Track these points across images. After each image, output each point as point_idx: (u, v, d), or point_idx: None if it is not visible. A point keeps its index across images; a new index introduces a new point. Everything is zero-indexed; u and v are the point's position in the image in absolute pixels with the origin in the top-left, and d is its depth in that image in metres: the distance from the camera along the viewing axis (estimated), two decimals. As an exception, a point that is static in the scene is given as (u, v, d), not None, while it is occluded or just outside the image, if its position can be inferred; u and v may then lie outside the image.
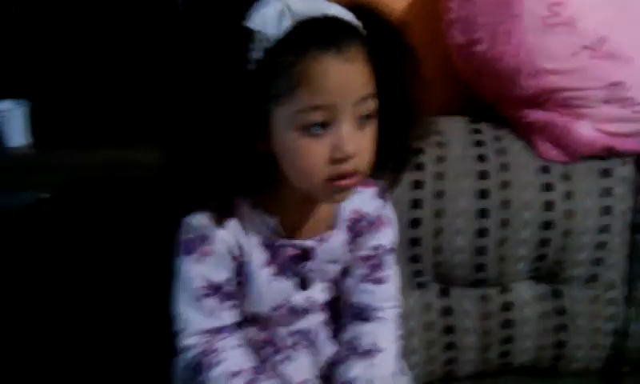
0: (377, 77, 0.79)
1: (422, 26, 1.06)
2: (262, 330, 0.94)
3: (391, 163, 0.89)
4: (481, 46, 1.04)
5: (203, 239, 0.85)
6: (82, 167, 1.15)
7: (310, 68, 0.74)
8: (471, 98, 1.15)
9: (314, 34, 0.74)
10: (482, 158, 1.09)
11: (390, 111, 0.83)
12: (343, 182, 0.78)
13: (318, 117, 0.75)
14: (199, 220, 0.84)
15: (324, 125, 0.76)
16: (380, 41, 0.80)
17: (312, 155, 0.77)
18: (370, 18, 0.80)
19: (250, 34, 0.76)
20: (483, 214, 1.08)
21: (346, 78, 0.75)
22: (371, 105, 0.78)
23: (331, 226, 0.91)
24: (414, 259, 1.09)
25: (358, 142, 0.77)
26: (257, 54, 0.76)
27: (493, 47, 1.03)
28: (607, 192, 1.12)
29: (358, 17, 0.79)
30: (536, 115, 1.09)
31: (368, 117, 0.78)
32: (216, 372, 0.86)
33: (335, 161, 0.77)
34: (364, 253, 0.93)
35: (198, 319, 0.87)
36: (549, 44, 1.03)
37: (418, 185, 1.06)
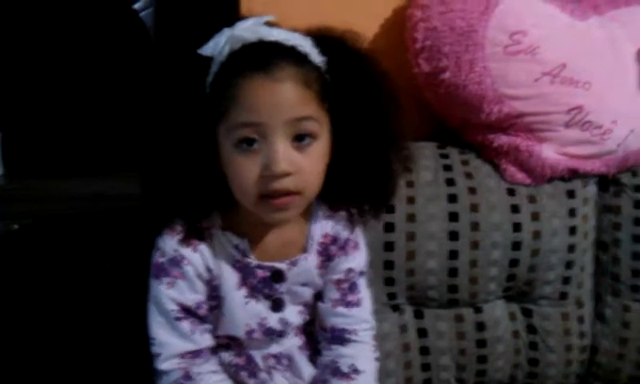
0: (345, 104, 0.83)
1: (390, 55, 1.10)
2: (238, 355, 0.95)
3: (370, 190, 0.92)
4: (446, 74, 1.07)
5: (174, 263, 0.87)
6: (54, 197, 1.15)
7: (240, 88, 0.78)
8: (439, 124, 1.19)
9: (246, 57, 0.79)
10: (450, 182, 1.12)
11: (362, 137, 0.86)
12: (277, 201, 0.81)
13: (246, 133, 0.79)
14: (169, 243, 0.87)
15: (253, 142, 0.80)
16: (344, 67, 0.84)
17: (243, 171, 0.81)
18: (332, 46, 0.85)
19: (206, 60, 0.82)
20: (454, 236, 1.11)
21: (273, 97, 0.78)
22: (310, 126, 0.81)
23: (302, 249, 0.93)
24: (389, 282, 1.11)
25: (293, 161, 0.80)
26: (210, 78, 0.82)
27: (457, 75, 1.07)
28: (572, 212, 1.15)
29: (320, 44, 0.84)
30: (501, 140, 1.12)
31: (307, 137, 0.81)
32: None
33: (266, 178, 0.80)
34: (336, 277, 0.95)
35: (173, 343, 0.88)
36: (511, 71, 1.08)
37: (389, 209, 1.09)
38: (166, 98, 0.84)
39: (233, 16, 0.85)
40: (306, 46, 0.82)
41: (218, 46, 0.81)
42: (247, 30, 0.80)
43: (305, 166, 0.81)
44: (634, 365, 1.21)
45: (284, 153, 0.79)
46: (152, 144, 0.86)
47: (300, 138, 0.81)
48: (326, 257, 0.94)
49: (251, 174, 0.80)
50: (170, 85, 0.84)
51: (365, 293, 0.98)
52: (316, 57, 0.83)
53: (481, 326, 1.16)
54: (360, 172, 0.88)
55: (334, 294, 0.96)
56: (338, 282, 0.95)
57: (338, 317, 0.96)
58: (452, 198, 1.11)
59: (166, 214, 0.88)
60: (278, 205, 0.82)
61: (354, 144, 0.86)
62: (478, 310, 1.16)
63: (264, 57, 0.79)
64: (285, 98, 0.79)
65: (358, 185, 0.90)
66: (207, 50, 0.81)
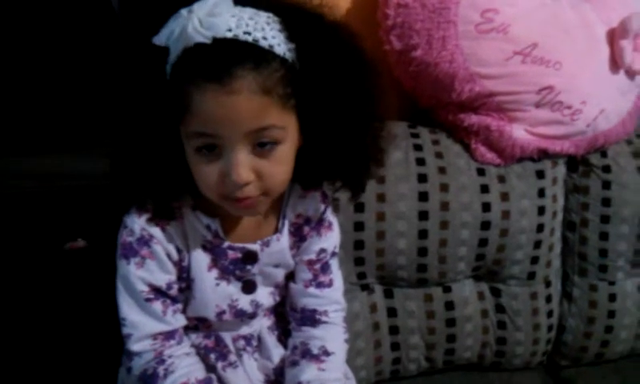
0: (318, 89, 0.78)
1: (361, 33, 1.08)
2: (207, 336, 0.94)
3: (346, 173, 0.88)
4: (417, 51, 1.06)
5: (142, 242, 0.84)
6: (17, 175, 1.13)
7: (193, 98, 0.73)
8: (409, 103, 1.18)
9: (199, 63, 0.73)
10: (420, 162, 1.11)
11: (337, 121, 0.81)
12: (240, 205, 0.79)
13: (203, 142, 0.76)
14: (137, 222, 0.84)
15: (213, 147, 0.76)
16: (318, 47, 0.78)
17: (203, 175, 0.78)
18: (306, 22, 0.79)
19: (165, 48, 0.76)
20: (423, 216, 1.10)
21: (229, 111, 0.73)
22: (271, 134, 0.76)
23: (275, 230, 0.91)
24: (359, 262, 1.10)
25: (255, 168, 0.77)
26: (169, 67, 0.76)
27: (429, 53, 1.06)
28: (541, 192, 1.15)
29: (292, 24, 0.77)
30: (471, 119, 1.12)
31: (269, 144, 0.77)
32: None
33: (227, 182, 0.77)
34: (308, 257, 0.94)
35: (145, 323, 0.86)
36: (482, 50, 1.07)
37: (360, 189, 1.08)
38: (129, 83, 0.80)
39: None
40: (269, 36, 0.75)
41: (173, 36, 0.75)
42: (202, 25, 0.73)
43: (268, 170, 0.78)
44: (600, 343, 1.23)
45: (243, 162, 0.76)
46: (119, 125, 0.82)
47: (261, 145, 0.77)
48: (299, 237, 0.93)
49: (212, 176, 0.78)
50: (131, 71, 0.79)
51: (336, 274, 0.97)
52: (282, 47, 0.75)
53: (450, 306, 1.16)
54: (336, 155, 0.84)
55: (305, 274, 0.95)
56: (310, 263, 0.94)
57: (310, 297, 0.95)
58: (422, 178, 1.10)
59: (135, 192, 0.85)
60: (242, 207, 0.80)
61: (329, 129, 0.81)
62: (447, 290, 1.16)
63: (218, 64, 0.72)
64: (241, 111, 0.73)
65: (334, 167, 0.86)
66: (162, 39, 0.76)
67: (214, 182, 0.78)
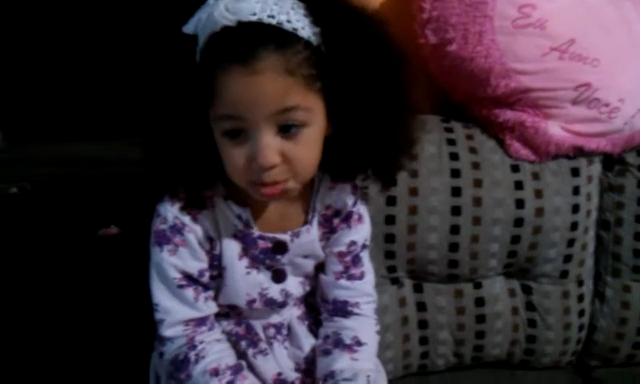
0: (346, 75, 0.79)
1: (395, 25, 1.08)
2: (238, 324, 0.95)
3: (377, 164, 0.89)
4: (453, 46, 1.06)
5: (175, 230, 0.86)
6: (52, 161, 1.15)
7: (219, 80, 0.75)
8: (443, 97, 1.17)
9: (224, 45, 0.75)
10: (454, 156, 1.11)
11: (366, 109, 0.81)
12: (267, 190, 0.80)
13: (229, 125, 0.77)
14: (170, 210, 0.86)
15: (240, 132, 0.77)
16: (344, 34, 0.78)
17: (231, 159, 0.80)
18: (331, 9, 0.79)
19: (194, 37, 0.78)
20: (456, 211, 1.10)
21: (253, 91, 0.74)
22: (296, 116, 0.77)
23: (305, 221, 0.92)
24: (389, 255, 1.10)
25: (282, 151, 0.78)
26: (198, 55, 0.78)
27: (464, 48, 1.06)
28: (575, 190, 1.14)
29: (316, 10, 0.77)
30: (506, 115, 1.11)
31: (294, 127, 0.78)
32: (196, 370, 0.87)
33: (254, 167, 0.78)
34: (338, 249, 0.94)
35: (178, 309, 0.87)
36: (519, 45, 1.06)
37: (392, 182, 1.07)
38: (160, 71, 0.81)
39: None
40: (294, 19, 0.76)
41: (200, 23, 0.77)
42: (227, 10, 0.74)
43: (295, 154, 0.79)
44: (631, 344, 1.22)
45: (269, 145, 0.77)
46: (151, 113, 0.84)
47: (287, 128, 0.78)
48: (329, 229, 0.93)
49: (239, 161, 0.79)
50: (162, 60, 0.81)
51: (367, 266, 0.97)
52: (306, 30, 0.76)
53: (480, 302, 1.16)
54: (364, 143, 0.84)
55: (336, 266, 0.95)
56: (341, 255, 0.94)
57: (341, 289, 0.95)
58: (455, 173, 1.10)
59: (168, 181, 0.86)
60: (269, 194, 0.81)
61: (356, 114, 0.82)
62: (478, 286, 1.16)
63: (242, 46, 0.74)
64: (265, 92, 0.74)
65: (362, 156, 0.86)
66: (190, 27, 0.78)
67: (241, 167, 0.79)
